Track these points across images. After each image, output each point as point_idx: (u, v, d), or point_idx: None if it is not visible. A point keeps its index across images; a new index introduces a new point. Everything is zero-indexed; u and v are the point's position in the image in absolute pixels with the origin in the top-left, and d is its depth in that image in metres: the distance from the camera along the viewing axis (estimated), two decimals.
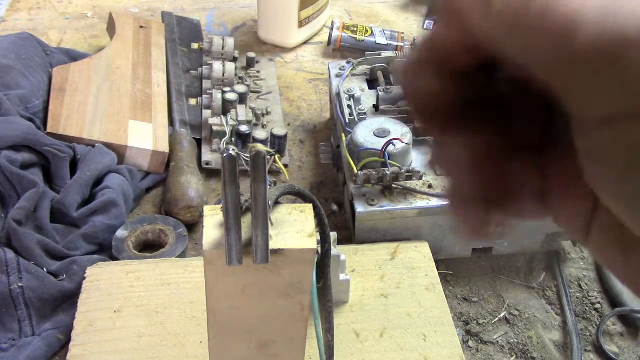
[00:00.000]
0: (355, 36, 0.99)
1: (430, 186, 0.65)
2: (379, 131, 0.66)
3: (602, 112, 0.16)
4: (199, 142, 0.80)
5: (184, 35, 0.99)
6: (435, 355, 0.55)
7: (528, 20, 0.16)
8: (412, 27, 1.08)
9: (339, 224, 0.72)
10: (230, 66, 0.86)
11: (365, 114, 0.71)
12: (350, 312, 0.58)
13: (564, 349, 0.61)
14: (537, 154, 0.20)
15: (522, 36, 0.16)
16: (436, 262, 0.64)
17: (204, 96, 0.82)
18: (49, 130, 0.73)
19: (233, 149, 0.27)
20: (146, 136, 0.77)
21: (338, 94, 0.74)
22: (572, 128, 0.17)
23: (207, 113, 0.81)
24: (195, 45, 0.96)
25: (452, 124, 0.20)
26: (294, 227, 0.32)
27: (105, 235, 0.66)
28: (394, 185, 0.64)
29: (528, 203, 0.21)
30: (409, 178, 0.64)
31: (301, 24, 0.99)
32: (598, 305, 0.65)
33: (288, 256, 0.31)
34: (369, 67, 0.79)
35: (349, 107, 0.72)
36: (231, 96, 0.80)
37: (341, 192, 0.75)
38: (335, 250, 0.56)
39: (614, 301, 0.65)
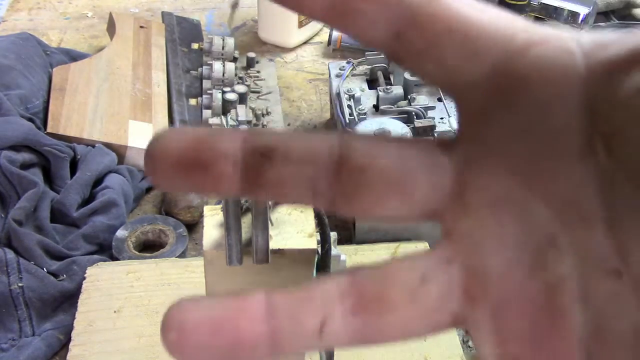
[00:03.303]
0: None
1: None
2: (379, 131, 0.66)
3: None
4: None
5: (184, 35, 0.99)
6: (435, 355, 0.55)
7: None
8: None
9: (339, 224, 0.72)
10: (230, 66, 0.86)
11: (365, 114, 0.71)
12: None
13: None
14: None
15: None
16: None
17: (204, 96, 0.82)
18: (49, 130, 0.73)
19: None
20: (146, 136, 0.77)
21: (338, 94, 0.74)
22: None
23: (207, 113, 0.81)
24: (195, 45, 0.96)
25: None
26: (294, 227, 0.32)
27: (105, 235, 0.66)
28: None
29: None
30: None
31: (301, 24, 0.99)
32: None
33: (288, 256, 0.31)
34: (369, 67, 0.79)
35: (349, 107, 0.72)
36: (231, 96, 0.80)
37: None
38: (335, 250, 0.55)
39: None
